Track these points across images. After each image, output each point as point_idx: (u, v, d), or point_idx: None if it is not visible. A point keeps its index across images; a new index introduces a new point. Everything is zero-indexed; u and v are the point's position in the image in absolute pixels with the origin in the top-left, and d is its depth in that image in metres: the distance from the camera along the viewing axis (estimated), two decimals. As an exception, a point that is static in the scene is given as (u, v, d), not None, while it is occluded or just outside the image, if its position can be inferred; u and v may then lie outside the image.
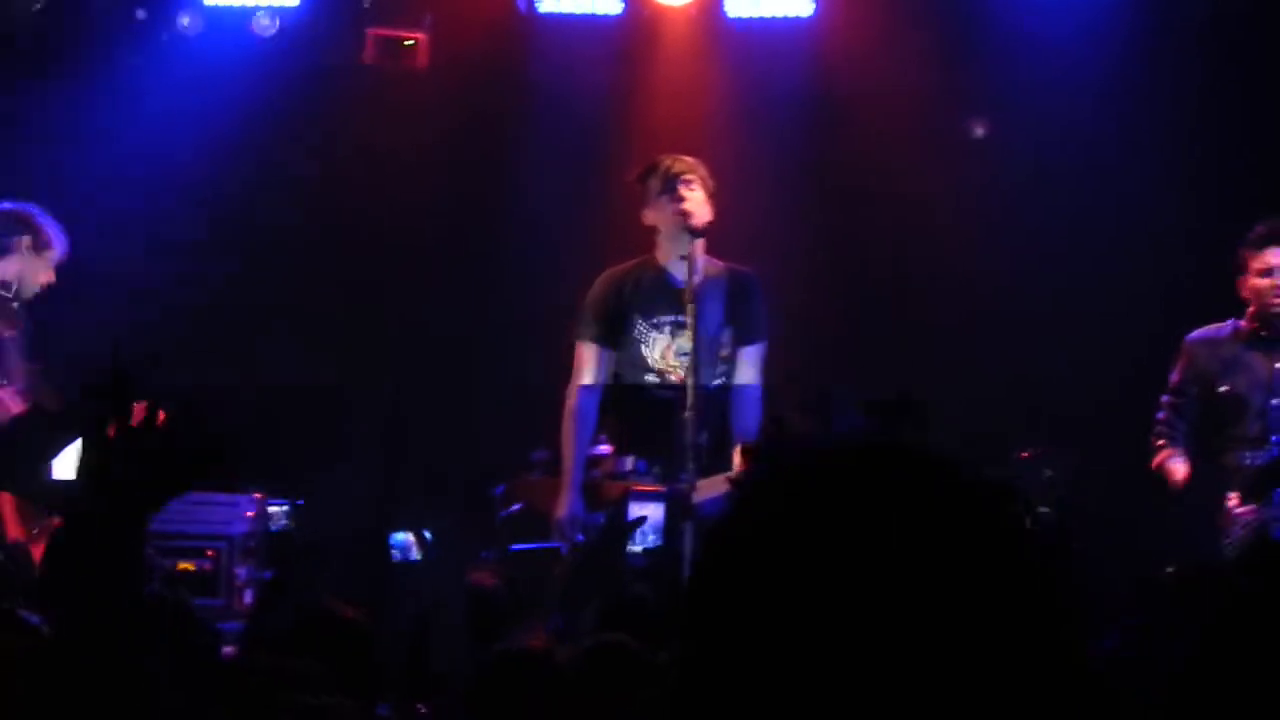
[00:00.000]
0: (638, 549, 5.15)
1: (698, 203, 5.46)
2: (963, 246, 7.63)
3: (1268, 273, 5.64)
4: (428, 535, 7.32)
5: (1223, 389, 5.73)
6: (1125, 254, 7.38)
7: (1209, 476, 5.72)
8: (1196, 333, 5.86)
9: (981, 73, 7.69)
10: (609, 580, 5.07)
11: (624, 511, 5.23)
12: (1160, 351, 6.17)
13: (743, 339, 5.57)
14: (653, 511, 5.20)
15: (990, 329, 7.54)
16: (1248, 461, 5.64)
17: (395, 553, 7.34)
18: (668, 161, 5.54)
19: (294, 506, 7.78)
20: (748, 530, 1.05)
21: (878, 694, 0.97)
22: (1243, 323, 5.74)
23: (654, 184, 5.51)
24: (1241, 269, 5.71)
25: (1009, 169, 7.68)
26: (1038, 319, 7.54)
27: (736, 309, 5.53)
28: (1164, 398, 5.91)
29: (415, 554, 7.34)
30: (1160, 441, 5.87)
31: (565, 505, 5.50)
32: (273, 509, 7.65)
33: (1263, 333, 5.71)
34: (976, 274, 7.62)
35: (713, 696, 1.02)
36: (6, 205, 6.09)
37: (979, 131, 7.77)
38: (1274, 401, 5.68)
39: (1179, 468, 5.77)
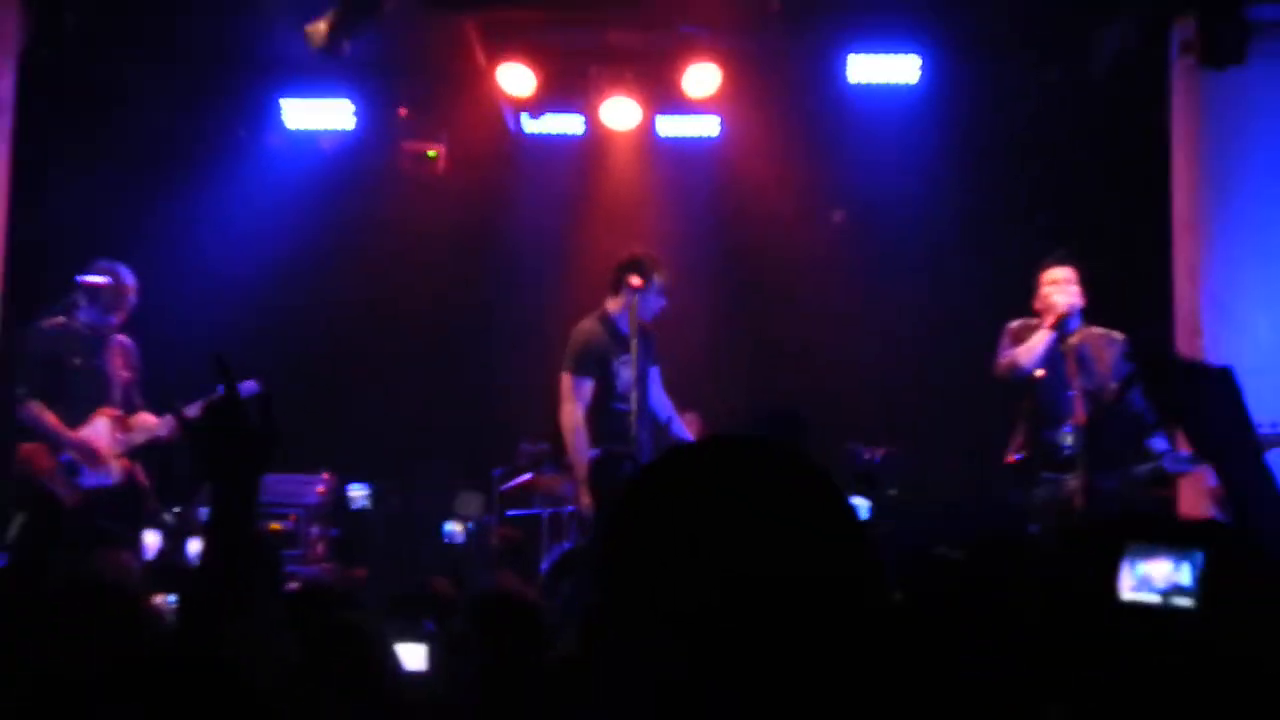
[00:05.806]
0: None
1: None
2: (838, 297, 9.40)
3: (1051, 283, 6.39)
4: (472, 526, 8.47)
5: (1040, 373, 6.34)
6: (944, 294, 9.19)
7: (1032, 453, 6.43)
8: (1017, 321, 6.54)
9: (840, 171, 9.43)
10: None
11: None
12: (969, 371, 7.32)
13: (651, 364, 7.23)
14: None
15: (856, 355, 9.32)
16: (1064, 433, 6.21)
17: (445, 539, 8.48)
18: (661, 270, 6.89)
19: (374, 489, 8.79)
20: (650, 494, 1.25)
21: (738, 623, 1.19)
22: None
23: (656, 280, 6.86)
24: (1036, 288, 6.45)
25: (864, 239, 9.48)
26: (888, 347, 9.40)
27: (649, 349, 7.12)
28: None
29: (461, 539, 8.47)
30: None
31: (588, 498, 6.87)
32: (354, 492, 8.57)
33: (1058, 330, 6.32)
34: (849, 319, 9.38)
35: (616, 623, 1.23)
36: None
37: (838, 217, 9.59)
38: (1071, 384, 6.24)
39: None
